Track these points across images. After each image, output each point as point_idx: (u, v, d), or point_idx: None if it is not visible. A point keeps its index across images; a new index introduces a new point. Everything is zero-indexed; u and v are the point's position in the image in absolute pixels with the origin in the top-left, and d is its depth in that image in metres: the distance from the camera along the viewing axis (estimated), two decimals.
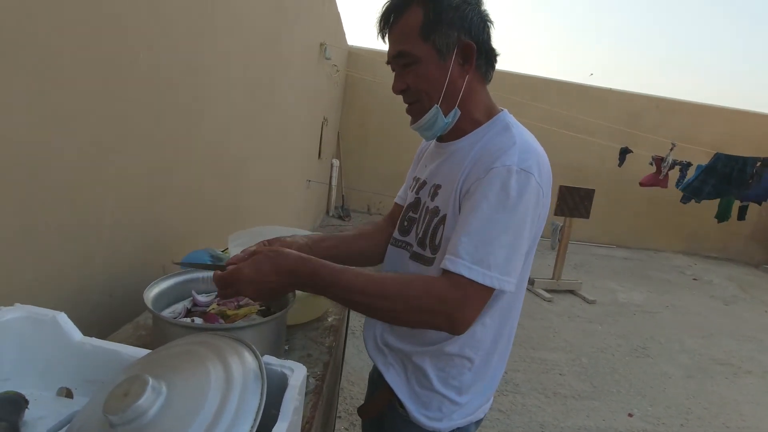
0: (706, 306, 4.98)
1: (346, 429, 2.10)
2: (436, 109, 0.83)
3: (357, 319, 3.27)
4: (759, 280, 6.68)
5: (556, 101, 6.99)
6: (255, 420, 0.49)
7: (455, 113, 0.85)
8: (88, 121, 0.87)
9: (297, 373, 0.59)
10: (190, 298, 0.87)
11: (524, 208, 0.74)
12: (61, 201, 0.83)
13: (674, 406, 2.77)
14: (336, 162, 6.22)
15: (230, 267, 0.71)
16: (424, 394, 0.88)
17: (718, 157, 5.48)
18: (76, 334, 0.62)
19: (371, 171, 6.90)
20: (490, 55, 0.86)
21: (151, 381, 0.48)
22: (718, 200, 5.70)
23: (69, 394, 0.64)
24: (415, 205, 0.96)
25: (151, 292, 0.79)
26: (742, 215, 6.03)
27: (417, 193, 0.97)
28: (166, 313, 0.82)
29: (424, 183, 0.96)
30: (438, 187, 0.89)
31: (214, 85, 1.52)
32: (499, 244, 0.73)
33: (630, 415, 2.60)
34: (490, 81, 0.90)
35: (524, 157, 0.76)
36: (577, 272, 5.54)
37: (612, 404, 2.69)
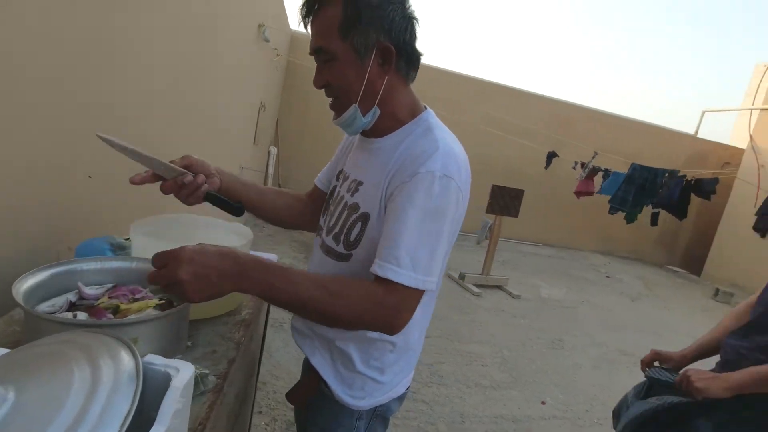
0: (616, 302, 5.44)
1: (267, 425, 2.05)
2: (354, 108, 0.84)
3: (284, 313, 3.21)
4: (662, 279, 7.41)
5: (495, 104, 7.26)
6: (122, 425, 0.44)
7: (374, 112, 0.86)
8: None
9: (182, 373, 0.54)
10: (75, 291, 0.78)
11: (445, 211, 0.78)
12: None
13: (582, 394, 3.00)
14: (273, 150, 6.03)
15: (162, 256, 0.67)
16: (348, 375, 0.92)
17: (634, 167, 6.02)
18: None
19: (310, 160, 6.76)
20: (412, 57, 0.86)
21: None
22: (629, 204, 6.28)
23: None
24: (334, 197, 0.98)
25: (25, 284, 0.70)
26: (654, 221, 6.69)
27: (339, 185, 0.98)
28: (44, 306, 0.73)
29: (347, 177, 0.96)
30: (359, 183, 0.91)
31: (132, 62, 1.39)
32: (424, 248, 0.77)
33: (543, 402, 2.77)
34: (413, 81, 0.90)
35: (446, 162, 0.79)
36: (505, 268, 5.82)
37: (528, 393, 2.85)
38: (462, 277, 4.86)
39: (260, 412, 2.11)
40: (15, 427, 0.42)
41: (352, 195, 0.91)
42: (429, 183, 0.77)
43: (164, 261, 0.66)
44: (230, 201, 0.93)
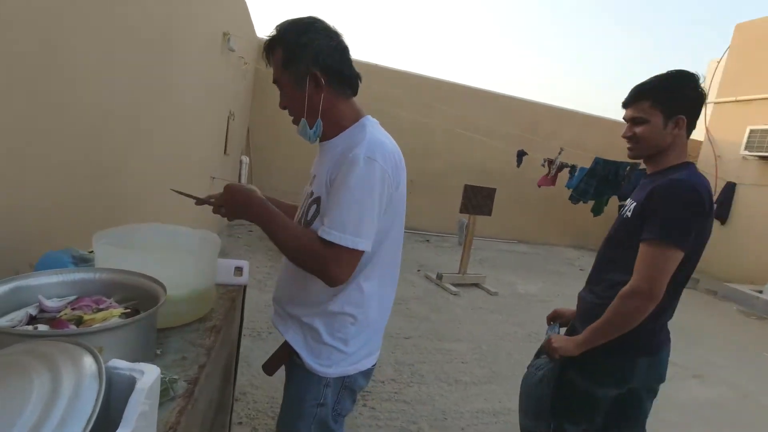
0: None
1: None
2: (303, 122, 1.07)
3: (262, 321, 3.17)
4: None
5: (465, 105, 7.39)
6: (85, 429, 0.44)
7: (318, 124, 1.07)
8: None
9: (147, 376, 0.55)
10: (35, 304, 0.77)
11: (370, 185, 0.97)
12: None
13: None
14: (245, 159, 5.96)
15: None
16: (316, 346, 1.09)
17: (597, 161, 6.22)
18: None
19: (283, 168, 6.72)
20: (343, 77, 1.06)
21: None
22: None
23: None
24: (306, 195, 1.17)
25: None
26: (598, 211, 6.94)
27: (310, 185, 1.17)
28: (3, 321, 0.71)
29: (311, 175, 1.18)
30: (314, 177, 1.13)
31: (91, 76, 1.37)
32: (351, 215, 0.96)
33: None
34: (352, 95, 1.11)
35: (371, 148, 0.99)
36: (482, 266, 5.91)
37: (508, 387, 2.90)
38: (440, 277, 4.91)
39: (240, 423, 2.09)
40: None
41: (310, 185, 1.14)
42: (355, 164, 0.97)
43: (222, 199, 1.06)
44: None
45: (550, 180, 6.52)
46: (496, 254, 6.99)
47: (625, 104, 1.40)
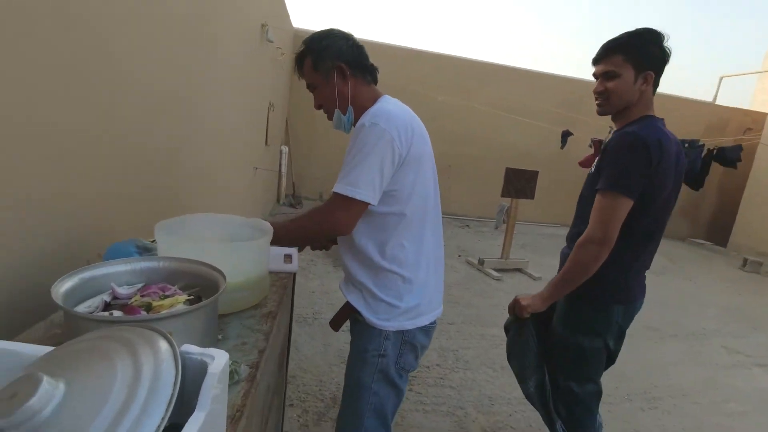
0: None
1: (299, 416, 2.09)
2: (337, 113, 1.25)
3: (308, 308, 3.25)
4: (685, 252, 7.27)
5: (503, 86, 7.17)
6: (166, 411, 0.46)
7: (350, 110, 1.24)
8: None
9: (217, 360, 0.56)
10: (109, 292, 0.81)
11: (370, 144, 1.09)
12: None
13: (610, 371, 2.96)
14: (285, 149, 6.07)
15: None
16: (373, 303, 1.23)
17: None
18: None
19: (322, 157, 6.80)
20: (361, 66, 1.24)
21: (44, 379, 0.44)
22: None
23: None
24: None
25: (62, 287, 0.73)
26: None
27: None
28: (81, 308, 0.76)
29: None
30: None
31: (137, 68, 1.42)
32: (351, 170, 1.10)
33: None
34: (372, 82, 1.27)
35: (375, 115, 1.12)
36: (524, 251, 5.78)
37: None
38: (481, 262, 4.85)
39: (292, 405, 2.16)
40: (66, 417, 0.44)
41: None
42: (360, 130, 1.11)
43: None
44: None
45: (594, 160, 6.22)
46: (537, 239, 6.81)
47: (597, 60, 1.43)
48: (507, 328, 1.72)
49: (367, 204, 1.11)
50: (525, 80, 7.45)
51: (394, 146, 1.11)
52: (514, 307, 1.59)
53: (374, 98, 1.24)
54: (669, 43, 1.37)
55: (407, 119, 1.17)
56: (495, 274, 4.66)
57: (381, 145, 1.09)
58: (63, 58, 1.01)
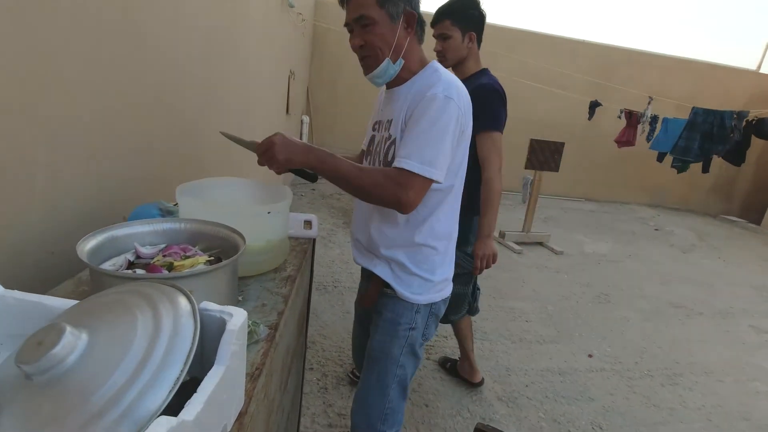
0: (666, 254, 5.22)
1: (318, 380, 2.15)
2: (387, 61, 1.11)
3: (327, 276, 3.29)
4: (716, 230, 7.02)
5: (528, 53, 6.89)
6: (185, 364, 0.47)
7: (400, 63, 1.14)
8: (10, 61, 0.78)
9: (236, 318, 0.57)
10: (132, 251, 0.82)
11: (445, 122, 1.04)
12: None
13: (631, 346, 2.94)
14: (306, 118, 6.04)
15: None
16: (405, 277, 1.21)
17: (696, 112, 5.45)
18: None
19: (342, 127, 6.74)
20: (422, 23, 1.16)
21: (68, 328, 0.45)
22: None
23: None
24: (372, 141, 1.26)
25: (87, 245, 0.75)
26: (706, 168, 6.16)
27: (374, 131, 1.26)
28: (106, 265, 0.77)
29: (382, 122, 1.23)
30: (390, 121, 1.18)
31: (166, 33, 1.40)
32: (429, 148, 1.02)
33: (590, 356, 2.75)
34: (422, 42, 1.19)
35: (447, 87, 1.06)
36: (546, 225, 5.68)
37: (574, 347, 2.83)
38: (502, 235, 4.80)
39: (311, 369, 2.22)
40: (89, 366, 0.45)
41: (386, 130, 1.19)
42: (434, 100, 1.04)
43: (264, 148, 1.00)
44: (305, 170, 1.06)
45: (631, 136, 5.89)
46: (560, 212, 6.67)
47: (433, 24, 1.75)
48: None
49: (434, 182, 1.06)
50: (552, 46, 7.12)
51: (461, 123, 1.08)
52: (488, 262, 1.78)
53: (422, 61, 1.18)
54: (483, 7, 1.74)
55: (468, 94, 1.13)
56: (516, 247, 4.61)
57: (453, 123, 1.04)
58: (92, 22, 1.00)
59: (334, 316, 2.72)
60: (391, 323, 1.24)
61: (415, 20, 1.11)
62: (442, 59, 1.77)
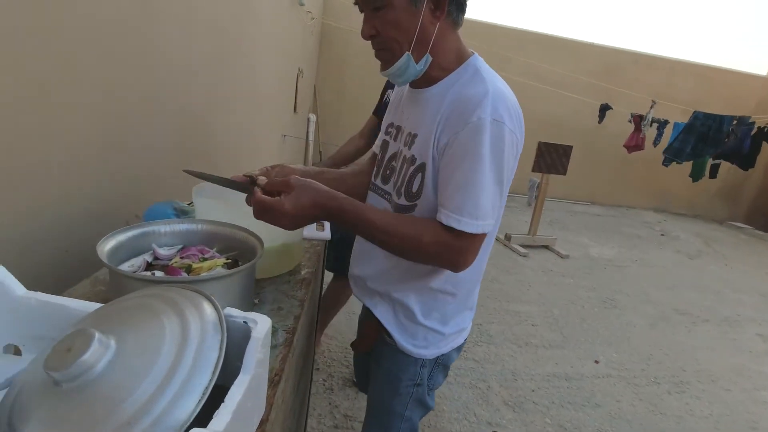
0: (672, 260, 5.19)
1: (324, 380, 2.14)
2: (407, 56, 0.84)
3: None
4: (722, 236, 6.98)
5: (537, 55, 6.86)
6: (213, 373, 0.46)
7: (426, 60, 0.85)
8: (27, 59, 0.78)
9: (261, 325, 0.56)
10: (150, 252, 0.82)
11: (500, 156, 0.80)
12: None
13: (637, 353, 2.93)
14: (313, 117, 6.02)
15: (267, 198, 0.76)
16: (410, 326, 0.99)
17: (696, 116, 5.50)
18: (18, 288, 0.58)
19: (349, 126, 6.72)
20: (460, 3, 0.86)
21: (97, 335, 0.45)
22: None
23: (17, 351, 0.60)
24: (395, 155, 0.99)
25: (107, 245, 0.74)
26: (713, 173, 6.15)
27: (395, 140, 1.00)
28: (125, 267, 0.77)
29: (401, 130, 0.98)
30: (414, 136, 0.92)
31: (174, 30, 1.40)
32: (483, 194, 0.80)
33: (596, 361, 2.74)
34: (461, 26, 0.90)
35: (496, 106, 0.80)
36: (552, 228, 5.66)
37: (580, 352, 2.82)
38: (508, 237, 4.78)
39: (318, 369, 2.21)
40: (118, 373, 0.44)
41: (409, 148, 0.92)
42: (482, 131, 0.79)
43: (264, 210, 0.76)
44: None
45: (640, 141, 5.89)
46: (567, 216, 6.64)
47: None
48: None
49: None
50: (559, 48, 7.09)
51: (517, 147, 0.85)
52: None
53: (459, 53, 0.89)
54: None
55: (517, 103, 0.87)
56: (521, 250, 4.60)
57: (507, 154, 0.81)
58: (107, 20, 0.99)
59: (340, 317, 2.71)
60: (390, 378, 1.04)
61: (445, 2, 0.82)
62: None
